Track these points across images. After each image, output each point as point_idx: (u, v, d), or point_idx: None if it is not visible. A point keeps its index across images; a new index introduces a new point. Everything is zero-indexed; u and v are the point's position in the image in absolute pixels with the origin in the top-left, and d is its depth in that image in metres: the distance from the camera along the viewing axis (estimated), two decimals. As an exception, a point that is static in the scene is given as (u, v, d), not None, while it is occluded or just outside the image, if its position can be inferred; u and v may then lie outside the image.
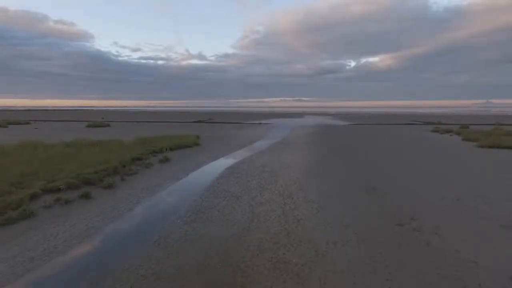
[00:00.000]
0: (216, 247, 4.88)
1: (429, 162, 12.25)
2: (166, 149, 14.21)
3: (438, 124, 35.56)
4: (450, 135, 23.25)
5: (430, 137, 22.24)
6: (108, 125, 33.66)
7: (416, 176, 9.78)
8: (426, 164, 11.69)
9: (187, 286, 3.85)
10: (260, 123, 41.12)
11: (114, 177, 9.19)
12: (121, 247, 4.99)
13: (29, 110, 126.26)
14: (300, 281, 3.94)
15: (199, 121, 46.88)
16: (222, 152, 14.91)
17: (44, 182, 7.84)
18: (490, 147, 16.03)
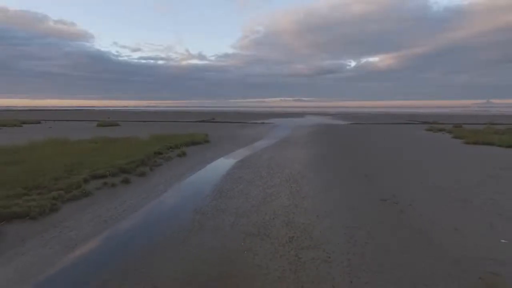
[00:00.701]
0: (241, 214, 6.42)
1: (416, 155, 13.80)
2: (182, 145, 15.74)
3: (433, 124, 37.09)
4: (442, 134, 24.79)
5: (423, 135, 23.79)
6: (118, 124, 35.21)
7: (403, 166, 11.33)
8: (414, 158, 13.25)
9: (224, 234, 5.39)
10: (263, 123, 42.65)
11: (144, 167, 10.73)
12: (168, 214, 6.53)
13: (30, 110, 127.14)
14: (306, 233, 5.48)
15: (202, 121, 48.38)
16: (231, 148, 16.45)
17: (89, 170, 9.37)
18: (474, 143, 17.59)
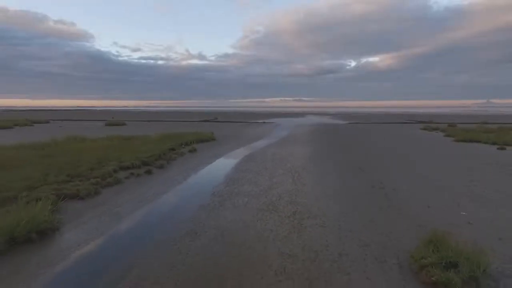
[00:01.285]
0: (252, 196, 7.70)
1: (407, 151, 15.09)
2: (192, 142, 17.04)
3: (429, 123, 38.36)
4: (436, 132, 26.07)
5: (417, 134, 25.07)
6: (124, 124, 36.52)
7: (394, 160, 12.62)
8: (404, 153, 14.54)
9: (240, 210, 6.67)
10: (264, 122, 43.94)
11: (162, 161, 12.02)
12: (191, 197, 7.82)
13: (31, 110, 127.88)
14: (306, 209, 6.75)
15: (205, 120, 49.67)
16: (236, 145, 17.74)
17: (116, 163, 10.66)
18: (463, 141, 18.87)
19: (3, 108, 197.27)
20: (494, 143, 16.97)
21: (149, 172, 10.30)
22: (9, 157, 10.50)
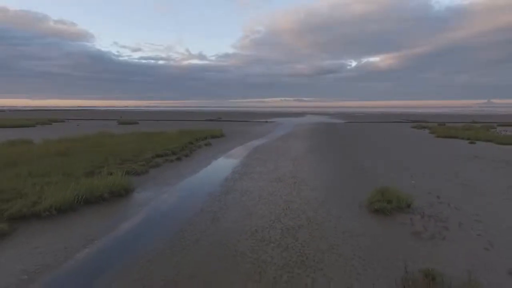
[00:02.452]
0: (263, 173, 10.30)
1: (390, 144, 17.69)
2: (206, 137, 19.64)
3: (421, 122, 40.96)
4: (423, 130, 28.66)
5: (406, 131, 27.67)
6: (137, 123, 39.15)
7: (377, 151, 15.22)
8: (388, 145, 17.14)
9: (256, 180, 9.27)
10: (266, 121, 46.57)
11: (186, 151, 14.62)
12: (217, 174, 10.42)
13: (33, 110, 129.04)
14: (303, 182, 9.34)
15: (210, 120, 52.30)
16: (244, 140, 20.35)
17: (151, 152, 13.26)
18: (443, 137, 21.46)
19: (5, 108, 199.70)
20: (468, 139, 19.55)
21: (179, 159, 12.92)
22: (66, 147, 13.11)
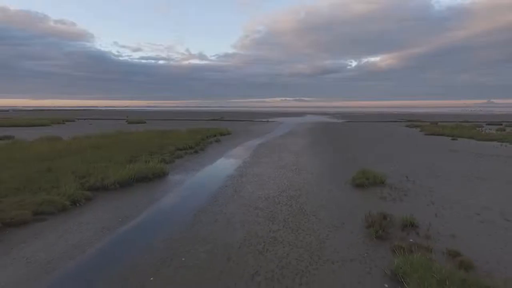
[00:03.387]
0: (269, 163, 12.42)
1: (382, 140, 19.81)
2: (216, 135, 21.77)
3: (416, 121, 43.07)
4: (415, 128, 30.77)
5: (399, 129, 29.79)
6: (145, 122, 41.28)
7: (366, 145, 17.34)
8: (379, 141, 19.27)
9: (264, 168, 11.38)
10: (267, 121, 48.70)
11: (201, 146, 16.73)
12: (230, 162, 12.54)
13: (35, 110, 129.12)
14: (303, 168, 11.44)
15: (213, 119, 54.39)
16: (250, 137, 22.47)
17: (172, 147, 15.36)
18: (431, 134, 23.57)
19: (7, 107, 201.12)
20: (452, 136, 21.66)
21: (196, 152, 15.05)
22: (97, 142, 15.23)
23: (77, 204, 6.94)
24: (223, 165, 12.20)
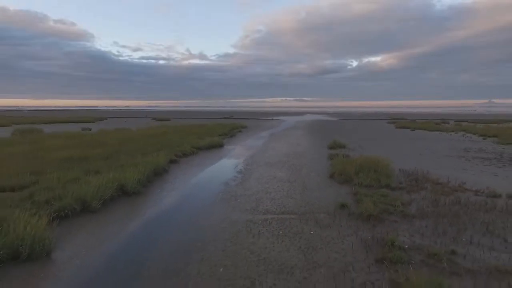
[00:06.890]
0: (277, 148, 19.76)
1: (361, 131, 27.21)
2: (237, 128, 29.16)
3: (398, 119, 50.46)
4: (392, 124, 38.07)
5: (378, 124, 37.12)
6: (169, 119, 48.63)
7: (350, 134, 24.72)
8: (359, 131, 26.69)
9: (274, 153, 18.70)
10: (272, 119, 56.11)
11: (231, 134, 24.05)
12: (255, 142, 19.89)
13: (36, 110, 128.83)
14: (301, 145, 18.77)
15: (225, 117, 61.75)
16: (261, 130, 29.84)
17: (214, 133, 22.67)
18: (400, 128, 30.91)
19: (9, 108, 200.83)
20: (413, 128, 28.94)
21: (232, 136, 22.49)
22: (165, 130, 22.55)
23: (193, 153, 14.39)
24: (253, 142, 19.56)
